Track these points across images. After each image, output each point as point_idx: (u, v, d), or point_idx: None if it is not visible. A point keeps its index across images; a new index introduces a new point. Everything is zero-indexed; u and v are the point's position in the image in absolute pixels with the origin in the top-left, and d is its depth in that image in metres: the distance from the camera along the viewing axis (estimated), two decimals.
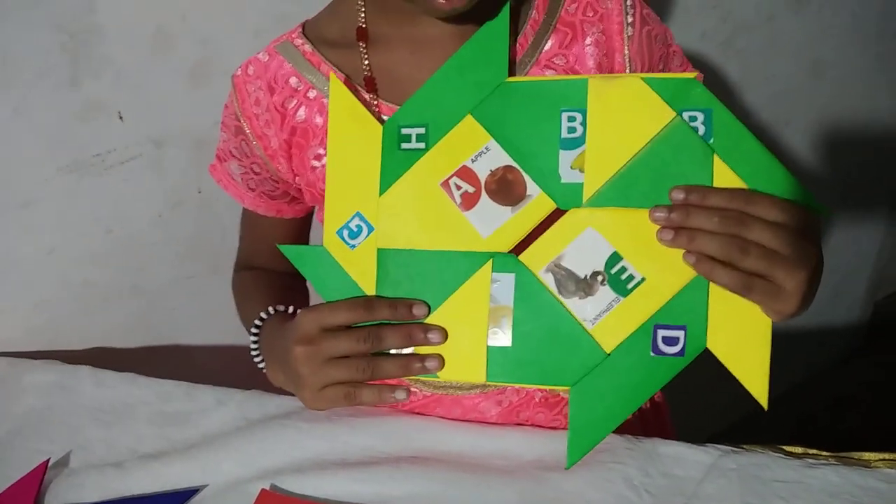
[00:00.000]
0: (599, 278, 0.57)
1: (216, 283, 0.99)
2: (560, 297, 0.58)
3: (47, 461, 0.67)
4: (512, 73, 0.62)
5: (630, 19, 0.64)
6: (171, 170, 0.92)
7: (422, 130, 0.60)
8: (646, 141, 0.56)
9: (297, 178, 0.69)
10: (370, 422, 0.69)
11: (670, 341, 0.56)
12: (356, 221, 0.61)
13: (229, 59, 0.88)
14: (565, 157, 0.57)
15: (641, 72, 0.65)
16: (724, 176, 0.54)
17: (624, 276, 0.56)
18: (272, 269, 0.79)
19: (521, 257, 0.59)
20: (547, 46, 0.64)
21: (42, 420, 0.75)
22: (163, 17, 0.84)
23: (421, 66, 0.62)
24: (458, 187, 0.59)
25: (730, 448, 0.63)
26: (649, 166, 0.56)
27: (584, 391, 0.58)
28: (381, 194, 0.60)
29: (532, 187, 0.58)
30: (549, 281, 0.58)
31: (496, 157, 0.59)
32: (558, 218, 0.59)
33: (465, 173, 0.59)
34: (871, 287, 1.97)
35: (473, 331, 0.60)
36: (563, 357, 0.58)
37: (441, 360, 0.60)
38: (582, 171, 0.57)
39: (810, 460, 0.62)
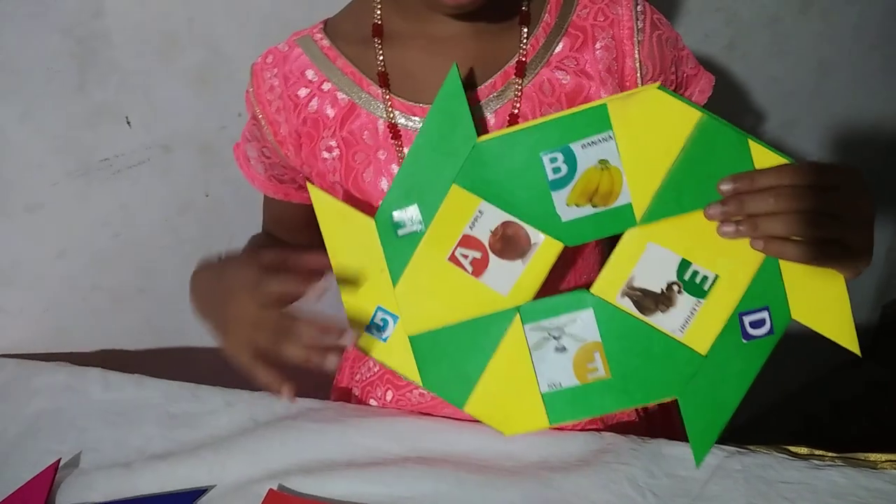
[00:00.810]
0: (675, 288, 0.58)
1: None
2: (643, 317, 0.59)
3: (58, 461, 0.68)
4: (520, 73, 0.63)
5: (640, 24, 0.64)
6: (179, 174, 0.92)
7: (415, 213, 0.60)
8: (680, 146, 0.56)
9: (304, 166, 0.70)
10: (378, 422, 0.70)
11: (757, 324, 0.57)
12: (380, 315, 0.62)
13: (235, 63, 0.89)
14: (559, 198, 0.58)
15: (653, 75, 0.66)
16: (764, 157, 0.55)
17: (698, 280, 0.57)
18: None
19: (594, 290, 0.59)
20: (558, 49, 0.64)
21: (52, 421, 0.76)
22: (169, 23, 0.85)
23: (434, 63, 0.62)
24: (466, 256, 0.60)
25: (735, 449, 0.63)
26: (690, 169, 0.56)
27: (691, 396, 0.59)
28: (394, 285, 0.61)
29: (535, 235, 0.59)
30: (627, 305, 0.59)
31: (492, 217, 0.60)
32: (570, 255, 0.61)
33: (468, 241, 0.60)
34: (879, 290, 1.96)
35: (524, 385, 0.61)
36: (662, 372, 0.59)
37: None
38: (580, 205, 0.58)
39: (816, 461, 0.62)
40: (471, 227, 0.60)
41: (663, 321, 0.58)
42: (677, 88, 0.70)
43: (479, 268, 0.60)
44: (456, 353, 0.62)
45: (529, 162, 0.58)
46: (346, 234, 0.61)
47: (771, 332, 0.57)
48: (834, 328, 0.58)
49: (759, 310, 0.57)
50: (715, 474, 0.61)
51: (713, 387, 0.58)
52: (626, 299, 0.59)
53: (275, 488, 0.63)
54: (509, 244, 0.59)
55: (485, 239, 0.60)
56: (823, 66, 1.41)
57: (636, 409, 0.77)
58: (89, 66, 0.82)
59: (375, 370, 0.77)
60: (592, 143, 0.57)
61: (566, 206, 0.58)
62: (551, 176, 0.58)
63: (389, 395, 0.75)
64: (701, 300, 0.58)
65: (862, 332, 2.00)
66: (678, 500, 0.59)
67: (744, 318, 0.57)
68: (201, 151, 0.93)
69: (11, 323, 0.90)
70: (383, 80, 0.64)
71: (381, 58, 0.65)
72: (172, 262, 0.96)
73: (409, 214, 0.60)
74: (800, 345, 1.91)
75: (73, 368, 0.83)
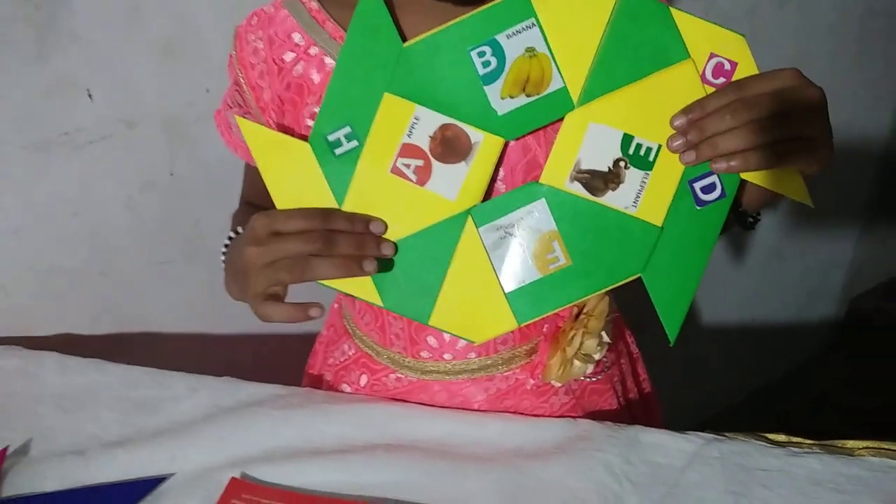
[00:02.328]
0: (622, 164, 0.58)
1: (189, 270, 0.96)
2: (595, 198, 0.58)
3: (5, 449, 0.65)
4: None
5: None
6: (143, 151, 0.89)
7: (348, 129, 0.59)
8: (603, 24, 0.57)
9: (287, 133, 0.67)
10: (345, 409, 0.68)
11: (708, 189, 0.58)
12: None
13: (204, 35, 0.86)
14: (492, 92, 0.58)
15: None
16: (688, 25, 0.56)
17: (642, 152, 0.57)
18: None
19: (543, 179, 0.59)
20: None
21: (2, 407, 0.72)
22: None
23: (426, 26, 0.60)
24: (408, 166, 0.59)
25: (713, 436, 0.62)
26: (618, 46, 0.57)
27: (654, 270, 0.59)
28: (341, 205, 0.59)
29: (475, 134, 0.58)
30: (578, 189, 0.58)
31: (429, 122, 0.58)
32: (515, 149, 0.61)
33: (408, 150, 0.59)
34: (845, 286, 1.99)
35: (486, 288, 0.59)
36: (621, 250, 0.59)
37: (377, 264, 0.57)
38: (513, 96, 0.58)
39: (794, 448, 0.61)
40: (409, 135, 0.59)
41: (615, 199, 0.58)
42: None
43: (423, 176, 0.59)
44: (412, 267, 0.60)
45: (458, 60, 0.58)
46: (284, 164, 0.59)
47: (723, 195, 0.58)
48: (782, 183, 0.58)
49: (708, 174, 0.57)
50: (693, 462, 0.60)
51: (675, 257, 0.58)
52: (576, 184, 0.58)
53: (237, 476, 0.60)
54: (450, 147, 0.58)
55: (425, 145, 0.58)
56: (799, 60, 1.41)
57: (616, 395, 0.76)
58: (48, 33, 0.78)
59: (350, 354, 0.75)
60: (517, 32, 0.57)
61: (500, 100, 0.58)
62: (482, 70, 0.58)
63: (364, 380, 0.73)
64: (648, 172, 0.58)
65: (829, 328, 2.03)
66: (655, 487, 0.58)
67: (694, 184, 0.57)
68: (166, 128, 0.89)
69: None
70: None
71: None
72: (135, 244, 0.93)
73: (343, 132, 0.59)
74: (771, 340, 1.93)
75: (27, 352, 0.79)
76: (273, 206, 0.61)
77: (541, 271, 0.59)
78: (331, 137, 0.59)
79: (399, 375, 0.71)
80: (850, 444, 0.62)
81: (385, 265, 0.59)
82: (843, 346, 2.01)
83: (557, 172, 0.58)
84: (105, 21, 0.81)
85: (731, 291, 1.64)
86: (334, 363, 0.77)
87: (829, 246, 1.83)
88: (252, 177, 0.78)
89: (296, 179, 0.59)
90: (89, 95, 0.84)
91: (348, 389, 0.75)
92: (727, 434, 0.63)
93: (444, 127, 0.58)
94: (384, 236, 0.58)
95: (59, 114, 0.83)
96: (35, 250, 0.88)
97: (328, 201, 0.59)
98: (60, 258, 0.89)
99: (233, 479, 0.60)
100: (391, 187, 0.59)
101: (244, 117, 0.70)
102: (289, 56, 0.64)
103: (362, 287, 0.60)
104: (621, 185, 0.58)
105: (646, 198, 0.58)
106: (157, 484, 0.61)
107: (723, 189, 0.57)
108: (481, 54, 0.58)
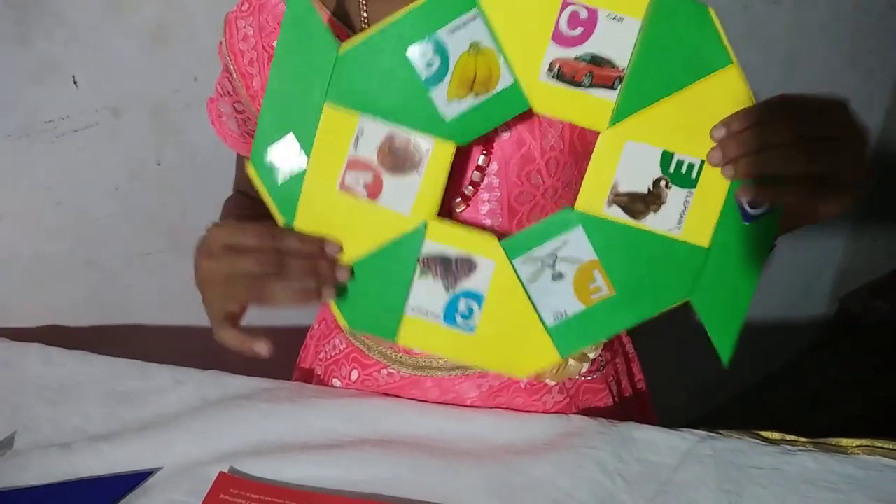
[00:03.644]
0: (663, 183, 0.54)
1: (175, 261, 0.95)
2: (635, 222, 0.55)
3: None
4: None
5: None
6: (129, 139, 0.88)
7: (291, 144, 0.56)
8: (636, 35, 0.52)
9: None
10: (335, 404, 0.67)
11: (757, 203, 0.53)
12: None
13: (193, 22, 0.85)
14: (438, 95, 0.54)
15: None
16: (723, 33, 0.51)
17: (684, 169, 0.53)
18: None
19: (578, 205, 0.55)
20: None
21: None
22: None
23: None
24: (357, 181, 0.56)
25: (706, 433, 0.62)
26: (653, 54, 0.52)
27: (703, 293, 0.56)
28: (291, 225, 0.56)
29: (424, 141, 0.55)
30: (617, 213, 0.55)
31: (375, 132, 0.55)
32: (469, 154, 0.57)
33: (356, 164, 0.55)
34: (835, 284, 2.00)
35: (526, 323, 0.57)
36: (667, 275, 0.56)
37: (335, 290, 0.56)
38: (461, 98, 0.54)
39: (787, 447, 0.61)
40: (355, 148, 0.55)
41: (658, 221, 0.55)
42: None
43: (373, 190, 0.56)
44: (373, 287, 0.57)
45: (399, 62, 0.53)
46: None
47: (771, 209, 0.53)
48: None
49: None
50: (685, 459, 0.60)
51: (724, 278, 0.55)
52: (615, 207, 0.55)
53: (225, 471, 0.59)
54: (399, 158, 0.55)
55: (373, 158, 0.55)
56: (792, 57, 1.43)
57: (611, 394, 0.75)
58: (31, 17, 0.77)
59: (341, 348, 0.74)
60: (459, 26, 0.52)
61: (448, 103, 0.54)
62: (424, 73, 0.53)
63: (355, 375, 0.72)
64: (691, 190, 0.54)
65: (819, 326, 2.04)
66: (648, 485, 0.58)
67: (741, 198, 0.53)
68: (154, 116, 0.88)
69: None
70: None
71: (364, 15, 0.61)
72: (120, 234, 0.91)
73: (285, 147, 0.56)
74: (761, 338, 1.93)
75: (10, 343, 0.78)
76: (259, 199, 0.59)
77: (583, 303, 0.57)
78: (270, 157, 0.56)
79: (391, 371, 0.70)
80: (845, 442, 0.61)
81: (344, 289, 0.57)
82: (832, 343, 2.02)
83: (594, 197, 0.55)
84: (92, 5, 0.80)
85: None
86: (325, 357, 0.76)
87: (819, 244, 1.83)
88: (243, 168, 0.77)
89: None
90: (74, 82, 0.82)
91: (339, 384, 0.74)
92: (721, 431, 0.62)
93: (390, 136, 0.55)
94: (341, 256, 0.56)
95: (43, 100, 0.82)
96: (18, 239, 0.86)
97: (313, 112, 0.55)
98: (44, 247, 0.88)
99: (221, 473, 0.59)
100: (342, 204, 0.56)
101: (234, 106, 0.69)
102: None
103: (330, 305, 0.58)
104: (663, 207, 0.54)
105: (690, 218, 0.54)
106: (143, 478, 0.60)
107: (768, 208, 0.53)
108: (422, 55, 0.53)
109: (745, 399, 1.81)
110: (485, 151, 0.60)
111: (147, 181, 0.90)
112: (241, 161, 0.77)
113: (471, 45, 0.53)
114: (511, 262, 0.57)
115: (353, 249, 0.56)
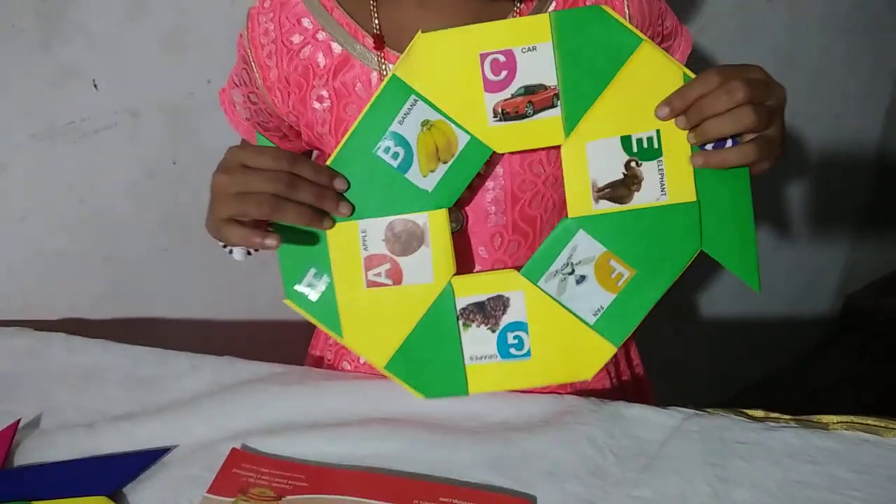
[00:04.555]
0: (633, 164, 0.59)
1: (190, 256, 0.99)
2: (626, 206, 0.60)
3: (17, 421, 0.67)
4: None
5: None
6: (146, 140, 0.91)
7: (313, 270, 0.62)
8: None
9: (290, 114, 0.70)
10: (343, 385, 0.70)
11: (719, 144, 0.58)
12: (312, 272, 0.63)
13: (206, 27, 0.88)
14: (414, 175, 0.60)
15: (642, 28, 0.67)
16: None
17: (645, 144, 0.59)
18: None
19: (570, 213, 0.61)
20: (551, 8, 0.65)
21: (13, 384, 0.75)
22: None
23: (428, 18, 0.63)
24: (379, 274, 0.62)
25: (693, 412, 0.64)
26: (573, 64, 0.58)
27: (711, 239, 0.60)
28: (342, 337, 0.63)
29: (419, 218, 0.61)
30: (606, 206, 0.60)
31: (376, 228, 0.61)
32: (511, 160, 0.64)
33: (371, 261, 0.62)
34: (841, 281, 2.00)
35: (571, 330, 0.62)
36: (674, 237, 0.60)
37: (332, 222, 0.61)
38: (433, 169, 0.60)
39: (771, 423, 0.63)
40: (365, 249, 0.62)
41: (644, 197, 0.59)
42: (664, 40, 0.73)
43: (396, 276, 0.62)
44: (429, 353, 0.63)
45: (370, 164, 0.60)
46: None
47: (735, 141, 0.58)
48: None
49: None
50: (673, 435, 0.62)
51: (723, 218, 0.59)
52: (602, 202, 0.60)
53: (238, 448, 0.63)
54: (405, 240, 0.61)
55: (383, 249, 0.62)
56: (789, 55, 1.44)
57: (609, 377, 0.78)
58: (55, 24, 0.81)
59: None
60: (405, 114, 0.59)
61: (424, 178, 0.60)
62: (394, 163, 0.60)
63: (363, 359, 0.75)
64: (660, 159, 0.59)
65: (825, 324, 2.02)
66: (637, 459, 0.60)
67: (704, 149, 0.58)
68: (169, 117, 0.92)
69: None
70: (378, 41, 0.64)
71: (375, 20, 0.65)
72: (138, 230, 0.95)
73: (310, 274, 0.62)
74: (768, 335, 1.93)
75: (35, 333, 0.82)
76: None
77: (612, 291, 0.61)
78: (302, 288, 0.62)
79: None
80: (826, 418, 0.64)
81: (404, 361, 0.63)
82: (839, 340, 2.02)
83: (580, 201, 0.60)
84: (111, 13, 0.84)
85: (726, 287, 1.66)
86: (335, 343, 0.79)
87: (825, 242, 1.84)
88: None
89: None
90: (95, 85, 0.86)
91: (348, 367, 0.77)
92: (708, 409, 0.65)
93: (390, 226, 0.61)
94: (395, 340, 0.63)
95: (65, 103, 0.86)
96: (41, 236, 0.90)
97: (320, 236, 0.62)
98: (66, 243, 0.92)
99: (233, 449, 0.62)
100: (375, 300, 0.62)
101: (248, 96, 0.73)
102: (297, 38, 0.67)
103: (329, 322, 0.63)
104: (643, 183, 0.59)
105: (670, 182, 0.59)
106: (161, 455, 0.64)
107: (734, 139, 0.58)
108: (387, 150, 0.60)
109: (750, 395, 1.81)
110: None
111: (163, 179, 0.94)
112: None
113: (422, 124, 0.59)
114: (536, 285, 0.62)
115: (401, 330, 0.63)
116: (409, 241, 0.61)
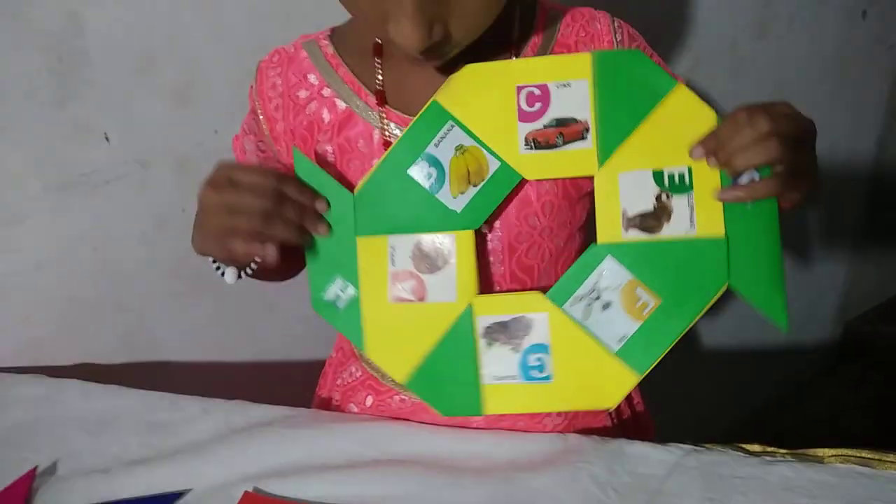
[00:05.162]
0: (664, 196, 0.61)
1: (199, 301, 1.01)
2: (655, 237, 0.61)
3: (35, 469, 0.69)
4: None
5: (619, 37, 0.68)
6: (156, 189, 0.94)
7: (340, 282, 0.65)
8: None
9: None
10: (351, 427, 0.72)
11: (749, 182, 0.59)
12: (339, 284, 0.65)
13: (213, 82, 0.92)
14: (444, 196, 0.63)
15: None
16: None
17: (677, 179, 0.61)
18: None
19: (600, 239, 0.62)
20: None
21: (29, 431, 0.76)
22: (148, 41, 0.87)
23: (431, 79, 0.65)
24: (404, 290, 0.64)
25: (692, 447, 0.66)
26: (612, 100, 0.61)
27: (739, 275, 0.61)
28: (363, 350, 0.66)
29: (446, 238, 0.64)
30: (636, 235, 0.62)
31: (404, 245, 0.64)
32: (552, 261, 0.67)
33: (398, 277, 0.64)
34: (840, 308, 2.01)
35: (594, 356, 0.63)
36: (701, 270, 0.61)
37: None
38: (463, 192, 0.63)
39: (767, 458, 0.65)
40: (393, 264, 0.64)
41: (674, 229, 0.61)
42: None
43: (420, 293, 0.64)
44: (449, 370, 0.65)
45: (404, 183, 0.63)
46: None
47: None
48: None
49: (743, 173, 0.59)
50: (673, 471, 0.64)
51: (751, 255, 0.60)
52: (632, 231, 0.61)
53: (250, 490, 0.65)
54: (431, 258, 0.64)
55: (409, 265, 0.64)
56: (781, 90, 1.48)
57: (609, 416, 0.80)
58: (69, 82, 0.84)
59: (357, 375, 0.79)
60: (442, 137, 0.62)
61: (454, 199, 0.63)
62: (427, 183, 0.63)
63: (370, 401, 0.77)
64: (690, 193, 0.60)
65: (825, 351, 2.02)
66: (638, 495, 0.62)
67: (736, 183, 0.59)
68: (178, 167, 0.95)
69: None
70: (380, 97, 0.67)
71: (379, 77, 0.67)
72: (149, 277, 0.98)
73: (337, 286, 0.64)
74: (767, 361, 1.93)
75: (50, 380, 0.84)
76: None
77: (638, 319, 0.62)
78: (328, 296, 0.65)
79: (403, 397, 0.75)
80: (821, 452, 0.66)
81: (424, 377, 0.65)
82: (839, 368, 2.03)
83: (611, 228, 0.62)
84: (121, 70, 0.87)
85: (726, 314, 1.67)
86: (342, 384, 0.81)
87: (823, 269, 1.86)
88: None
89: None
90: (106, 138, 0.89)
91: (355, 409, 0.79)
92: (706, 445, 0.67)
93: (418, 243, 0.63)
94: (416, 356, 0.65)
95: (78, 156, 0.89)
96: (55, 284, 0.93)
97: (349, 246, 0.64)
98: (79, 290, 0.94)
99: (246, 492, 0.64)
100: (399, 315, 0.64)
101: (257, 144, 0.76)
102: (303, 94, 0.69)
103: (352, 334, 0.65)
104: (673, 215, 0.61)
105: (699, 216, 0.60)
106: (175, 498, 0.65)
107: (761, 176, 0.59)
108: (421, 170, 0.62)
109: (750, 424, 1.81)
110: None
111: (173, 227, 0.97)
112: None
113: (456, 149, 0.62)
114: (561, 309, 0.63)
115: (423, 346, 0.64)
116: (435, 260, 0.63)
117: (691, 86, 1.29)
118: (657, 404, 0.90)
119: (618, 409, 0.82)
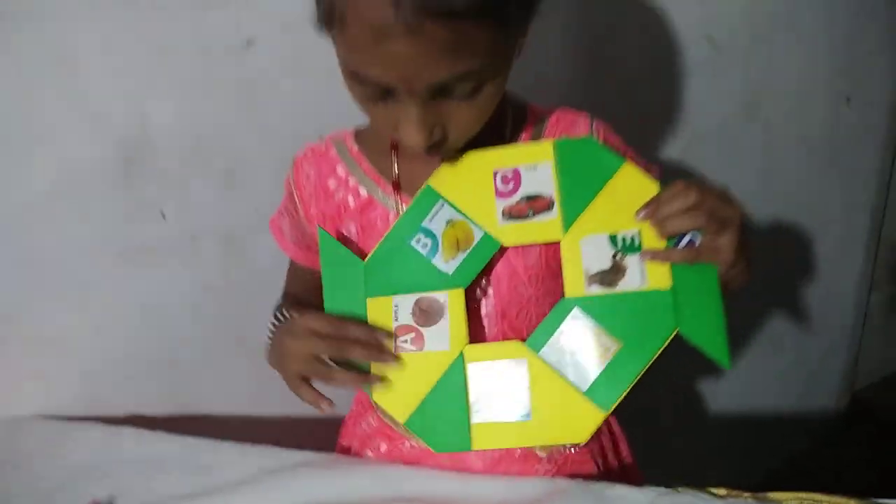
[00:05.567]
0: (618, 256, 0.71)
1: (240, 359, 1.11)
2: (615, 290, 0.71)
3: (97, 501, 0.79)
4: None
5: (595, 137, 0.79)
6: (204, 261, 1.04)
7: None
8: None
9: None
10: (367, 470, 0.82)
11: (690, 244, 0.68)
12: None
13: (255, 169, 1.04)
14: (438, 261, 0.75)
15: None
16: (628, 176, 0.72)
17: (628, 241, 0.71)
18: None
19: (567, 294, 0.72)
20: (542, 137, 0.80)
21: (88, 473, 0.87)
22: (202, 133, 1.00)
23: (435, 170, 0.77)
24: (405, 341, 0.75)
25: (666, 490, 0.74)
26: (571, 179, 0.72)
27: (685, 321, 0.69)
28: (371, 394, 0.75)
29: (440, 296, 0.74)
30: (597, 289, 0.71)
31: (406, 303, 0.74)
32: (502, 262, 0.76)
33: (400, 330, 0.74)
34: (846, 376, 2.01)
35: (567, 396, 0.71)
36: (653, 317, 0.70)
37: (379, 383, 0.74)
38: (454, 257, 0.74)
39: (731, 499, 0.73)
40: (396, 319, 0.75)
41: (628, 284, 0.70)
42: None
43: (419, 343, 0.74)
44: (442, 410, 0.73)
45: (405, 251, 0.75)
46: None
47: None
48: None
49: (683, 235, 0.68)
50: None
51: (694, 304, 0.68)
52: (594, 286, 0.71)
53: None
54: (429, 314, 0.74)
55: (410, 321, 0.74)
56: (770, 170, 1.54)
57: (596, 465, 0.88)
58: (135, 168, 0.97)
59: (374, 425, 0.89)
60: (435, 214, 0.75)
61: (445, 263, 0.74)
62: (424, 252, 0.75)
63: (384, 447, 0.87)
64: (641, 252, 0.70)
65: (832, 419, 1.99)
66: None
67: (678, 245, 0.68)
68: (225, 242, 1.06)
69: (52, 387, 1.02)
70: (396, 186, 0.79)
71: (395, 169, 0.80)
72: (197, 338, 1.08)
73: None
74: (771, 431, 1.92)
75: (106, 427, 0.95)
76: (311, 300, 0.76)
77: (603, 360, 0.71)
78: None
79: (412, 444, 0.85)
80: (781, 496, 0.74)
81: (421, 418, 0.74)
82: (844, 440, 2.01)
83: (575, 284, 0.72)
84: (179, 157, 0.99)
85: (728, 382, 1.70)
86: (360, 433, 0.91)
87: (825, 337, 1.87)
88: (293, 273, 0.95)
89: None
90: (163, 216, 1.01)
91: (371, 455, 0.89)
92: (678, 488, 0.75)
93: (417, 301, 0.75)
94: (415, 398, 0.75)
95: (137, 232, 1.00)
96: (111, 345, 1.03)
97: (361, 306, 0.75)
98: (134, 349, 1.05)
99: None
100: (401, 363, 0.74)
101: (294, 224, 0.88)
102: (332, 183, 0.82)
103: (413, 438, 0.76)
104: (627, 272, 0.71)
105: (649, 272, 0.70)
106: None
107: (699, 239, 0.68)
108: (418, 241, 0.74)
109: (762, 488, 1.79)
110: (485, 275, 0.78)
111: (218, 294, 1.08)
112: (292, 268, 0.95)
113: (447, 222, 0.75)
114: (538, 355, 0.73)
115: (421, 390, 0.74)
116: (432, 315, 0.74)
117: (684, 165, 1.39)
118: (653, 472, 0.93)
119: (605, 458, 0.90)
